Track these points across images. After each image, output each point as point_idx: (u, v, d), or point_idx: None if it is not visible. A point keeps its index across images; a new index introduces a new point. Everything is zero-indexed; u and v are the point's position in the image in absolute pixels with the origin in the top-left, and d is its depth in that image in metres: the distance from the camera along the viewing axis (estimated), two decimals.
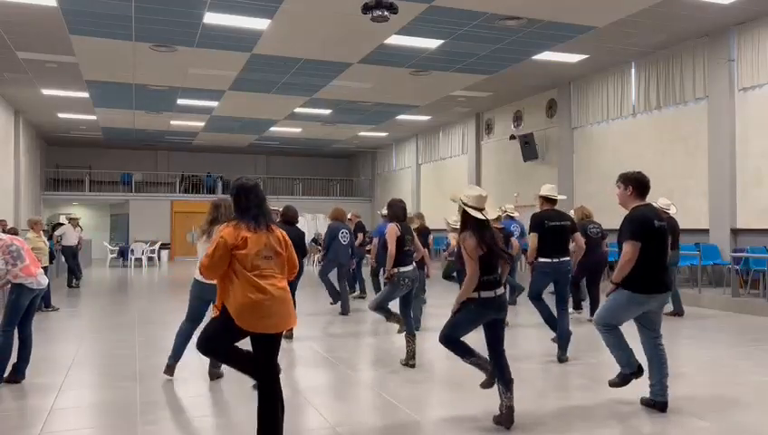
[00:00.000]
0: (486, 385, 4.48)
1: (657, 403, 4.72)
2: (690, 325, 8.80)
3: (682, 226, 9.88)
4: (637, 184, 4.73)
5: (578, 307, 9.20)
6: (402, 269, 6.15)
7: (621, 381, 4.88)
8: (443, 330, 4.44)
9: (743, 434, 4.37)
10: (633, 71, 13.72)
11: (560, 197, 6.68)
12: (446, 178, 21.96)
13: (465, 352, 4.45)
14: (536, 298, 6.53)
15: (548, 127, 16.70)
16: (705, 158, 12.02)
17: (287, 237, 3.86)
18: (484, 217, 4.32)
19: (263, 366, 3.74)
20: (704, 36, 11.90)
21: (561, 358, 6.34)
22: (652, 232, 4.57)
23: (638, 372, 4.83)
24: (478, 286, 4.27)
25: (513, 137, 17.63)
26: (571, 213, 10.40)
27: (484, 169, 19.84)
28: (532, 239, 6.46)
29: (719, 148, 11.68)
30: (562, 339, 6.40)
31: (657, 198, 9.52)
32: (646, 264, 4.54)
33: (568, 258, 6.51)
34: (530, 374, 5.98)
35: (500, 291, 4.40)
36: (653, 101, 13.17)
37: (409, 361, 6.20)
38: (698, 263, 10.95)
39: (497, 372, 4.38)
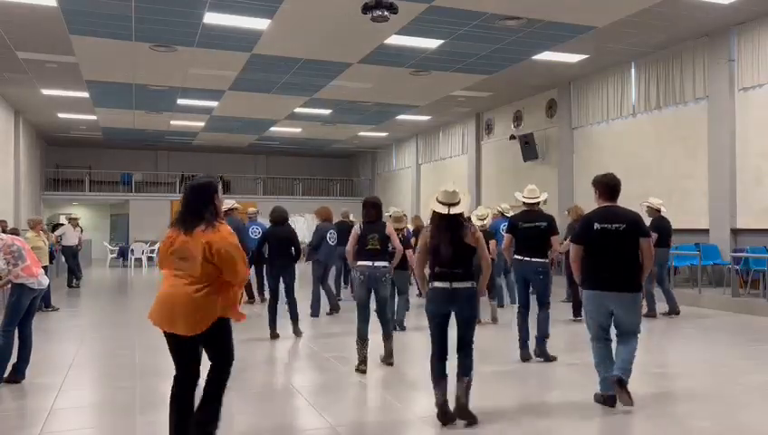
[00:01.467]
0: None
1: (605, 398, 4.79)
2: (690, 325, 8.80)
3: (682, 226, 9.89)
4: (602, 187, 4.99)
5: (577, 314, 9.11)
6: (358, 263, 6.18)
7: (596, 398, 4.85)
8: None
9: (743, 434, 4.37)
10: (633, 71, 13.72)
11: (531, 200, 6.69)
12: (446, 179, 21.82)
13: (434, 378, 4.43)
14: (524, 305, 6.54)
15: (548, 127, 16.70)
16: (705, 158, 12.02)
17: (220, 247, 3.60)
18: (446, 211, 4.47)
19: (176, 369, 3.78)
20: (704, 36, 11.89)
21: (526, 355, 6.41)
22: (591, 234, 4.81)
23: (609, 399, 4.73)
24: (432, 277, 4.48)
25: (513, 137, 17.63)
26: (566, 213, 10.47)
27: (484, 168, 19.84)
28: (504, 241, 6.80)
29: (719, 148, 11.68)
30: (537, 338, 6.44)
31: (648, 198, 9.56)
32: (592, 262, 4.82)
33: (541, 260, 6.51)
34: (528, 373, 5.98)
35: (458, 284, 4.40)
36: (653, 101, 13.17)
37: (361, 365, 6.04)
38: (698, 263, 10.95)
39: (460, 368, 4.45)
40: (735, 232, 11.47)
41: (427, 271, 4.63)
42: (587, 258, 4.82)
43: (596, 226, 4.78)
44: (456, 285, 4.40)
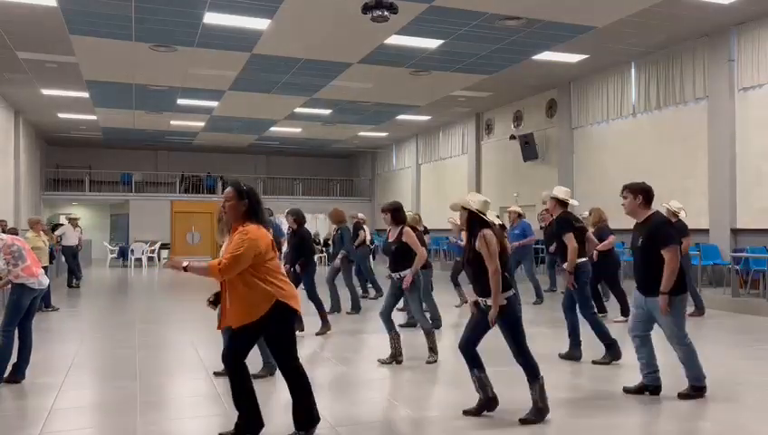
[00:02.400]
0: (474, 412, 4.52)
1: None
2: (690, 325, 8.73)
3: None
4: (646, 194, 5.02)
5: (603, 310, 9.16)
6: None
7: (696, 393, 4.95)
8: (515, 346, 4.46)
9: (743, 434, 4.37)
10: (633, 71, 13.72)
11: (573, 202, 6.62)
12: (446, 178, 21.97)
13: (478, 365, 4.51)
14: (591, 308, 6.42)
15: (548, 127, 16.70)
16: (705, 158, 12.02)
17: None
18: (491, 221, 4.51)
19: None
20: (704, 36, 11.90)
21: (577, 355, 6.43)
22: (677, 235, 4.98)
23: (705, 388, 4.95)
24: (511, 285, 4.46)
25: (513, 137, 17.64)
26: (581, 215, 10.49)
27: (484, 169, 19.84)
28: (571, 241, 6.26)
29: (719, 148, 11.68)
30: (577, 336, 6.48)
31: (669, 201, 9.51)
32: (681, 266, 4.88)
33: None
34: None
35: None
36: (653, 101, 13.17)
37: (398, 357, 6.34)
38: (698, 263, 10.95)
39: (528, 367, 4.45)
40: (735, 232, 11.47)
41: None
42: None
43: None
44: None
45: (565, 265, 6.32)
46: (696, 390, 4.95)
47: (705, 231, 11.85)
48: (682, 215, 9.26)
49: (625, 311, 9.09)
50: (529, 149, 16.88)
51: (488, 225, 4.49)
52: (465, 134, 20.79)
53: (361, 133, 23.48)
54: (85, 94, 16.49)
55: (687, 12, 10.59)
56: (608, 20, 10.81)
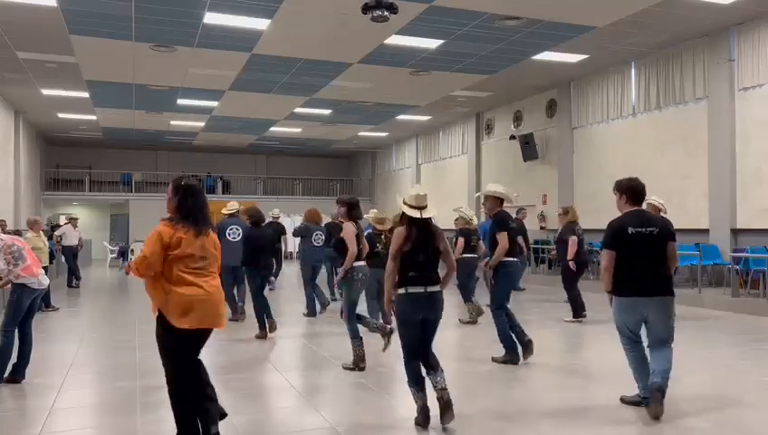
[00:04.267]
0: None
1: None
2: (690, 325, 8.79)
3: (682, 226, 9.87)
4: (629, 192, 4.87)
5: (578, 315, 9.11)
6: (355, 264, 6.21)
7: (634, 401, 4.82)
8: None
9: (743, 434, 4.37)
10: (633, 71, 13.72)
11: (513, 196, 6.54)
12: (446, 178, 21.96)
13: (416, 381, 4.47)
14: (503, 307, 6.35)
15: (548, 127, 16.70)
16: (705, 158, 12.02)
17: (218, 242, 4.05)
18: (418, 216, 4.43)
19: (195, 364, 3.90)
20: (704, 36, 11.90)
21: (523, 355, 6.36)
22: (625, 239, 4.69)
23: (646, 400, 4.69)
24: (406, 282, 4.39)
25: (513, 137, 17.64)
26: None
27: (484, 169, 19.85)
28: (503, 239, 6.28)
29: (719, 148, 11.68)
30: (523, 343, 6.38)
31: (651, 196, 9.47)
32: (625, 268, 4.69)
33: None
34: (524, 374, 5.98)
35: (432, 288, 4.40)
36: (653, 101, 13.17)
37: (359, 364, 6.15)
38: (698, 263, 10.95)
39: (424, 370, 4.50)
40: (735, 232, 11.47)
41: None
42: (621, 264, 4.69)
43: (630, 230, 4.69)
44: (430, 289, 4.39)
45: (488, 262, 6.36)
46: (650, 396, 4.66)
47: (705, 231, 11.85)
48: (663, 211, 9.20)
49: (576, 313, 9.11)
50: (529, 149, 16.88)
51: (411, 219, 4.44)
52: (465, 134, 20.79)
53: (361, 133, 23.48)
54: (85, 94, 16.49)
55: (687, 12, 10.59)
56: (608, 20, 10.81)
